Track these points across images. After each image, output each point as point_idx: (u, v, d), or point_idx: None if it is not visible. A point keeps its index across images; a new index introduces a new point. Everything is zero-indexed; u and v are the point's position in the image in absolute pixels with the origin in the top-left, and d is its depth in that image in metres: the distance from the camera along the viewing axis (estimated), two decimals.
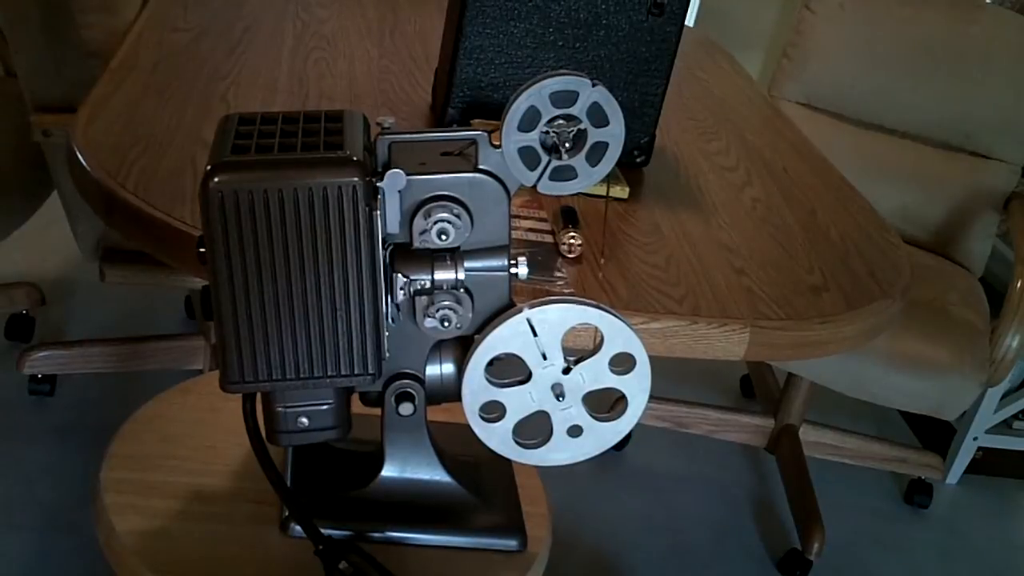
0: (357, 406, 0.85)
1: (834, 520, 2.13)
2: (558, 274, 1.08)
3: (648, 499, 2.11)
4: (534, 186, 0.77)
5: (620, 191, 1.28)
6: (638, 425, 2.20)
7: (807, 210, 1.37)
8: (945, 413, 1.82)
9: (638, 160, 1.38)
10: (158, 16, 1.58)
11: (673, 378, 2.49)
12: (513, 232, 1.16)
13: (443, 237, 0.76)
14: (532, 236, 1.16)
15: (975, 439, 2.29)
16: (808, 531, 1.97)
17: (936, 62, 2.14)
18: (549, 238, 1.15)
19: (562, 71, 0.72)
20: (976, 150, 2.16)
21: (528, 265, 1.07)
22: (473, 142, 0.76)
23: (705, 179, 1.40)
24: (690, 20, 3.17)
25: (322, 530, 0.80)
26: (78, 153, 1.12)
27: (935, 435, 2.41)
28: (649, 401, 2.18)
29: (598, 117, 0.74)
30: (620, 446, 2.23)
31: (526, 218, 1.20)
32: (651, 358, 0.88)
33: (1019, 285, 1.82)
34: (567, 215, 1.17)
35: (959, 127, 2.15)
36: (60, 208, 1.77)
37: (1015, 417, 2.31)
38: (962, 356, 1.80)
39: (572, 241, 1.11)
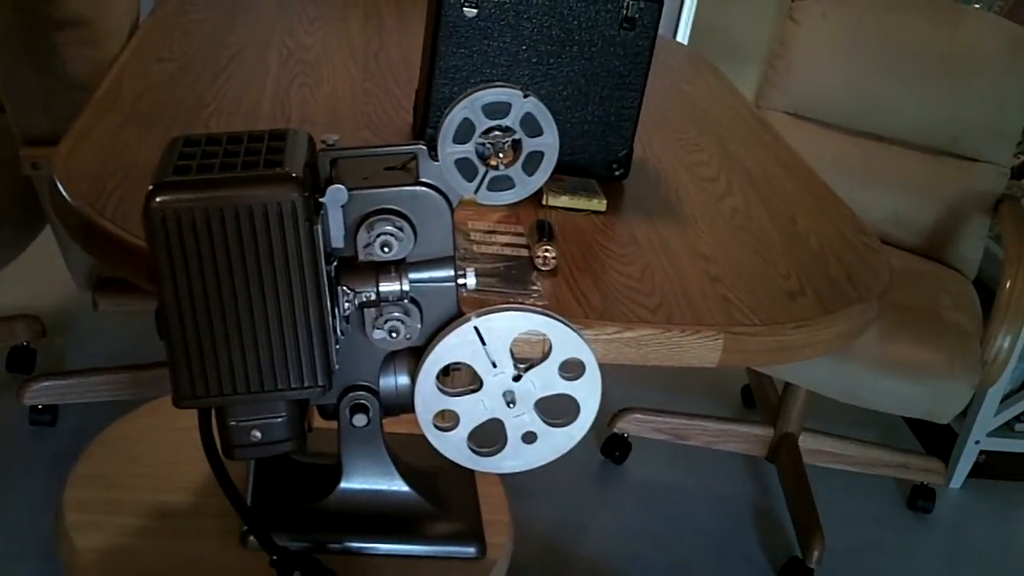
0: (322, 421, 0.87)
1: (836, 527, 2.13)
2: (533, 287, 1.09)
3: (648, 511, 2.11)
4: (475, 196, 0.78)
5: (597, 204, 1.30)
6: (638, 438, 2.22)
7: (787, 218, 1.37)
8: (938, 416, 1.82)
9: (616, 173, 1.39)
10: (144, 47, 1.60)
11: (674, 390, 2.50)
12: (490, 247, 1.18)
13: (386, 249, 0.77)
14: (508, 251, 1.17)
15: (976, 442, 2.28)
16: (808, 539, 1.96)
17: (921, 67, 2.15)
18: (525, 252, 1.17)
19: (495, 83, 0.73)
20: (964, 153, 2.16)
21: (504, 278, 1.09)
22: (414, 156, 0.77)
23: (685, 190, 1.41)
24: (684, 37, 3.18)
25: (281, 542, 0.81)
26: (59, 183, 1.14)
27: (938, 440, 2.40)
28: (648, 414, 2.20)
29: (532, 127, 0.76)
30: (620, 459, 2.24)
31: (503, 233, 1.21)
32: (648, 368, 0.89)
33: (1008, 286, 1.82)
34: (542, 229, 1.18)
35: (946, 131, 2.15)
36: None
37: (1016, 419, 2.30)
38: (953, 359, 1.80)
39: (546, 254, 1.12)
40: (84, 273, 1.76)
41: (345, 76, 1.61)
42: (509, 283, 1.09)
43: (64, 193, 1.13)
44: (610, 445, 2.24)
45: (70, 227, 1.14)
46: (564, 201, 1.29)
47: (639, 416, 2.20)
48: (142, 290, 1.79)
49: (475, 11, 1.31)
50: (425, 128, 1.37)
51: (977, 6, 2.51)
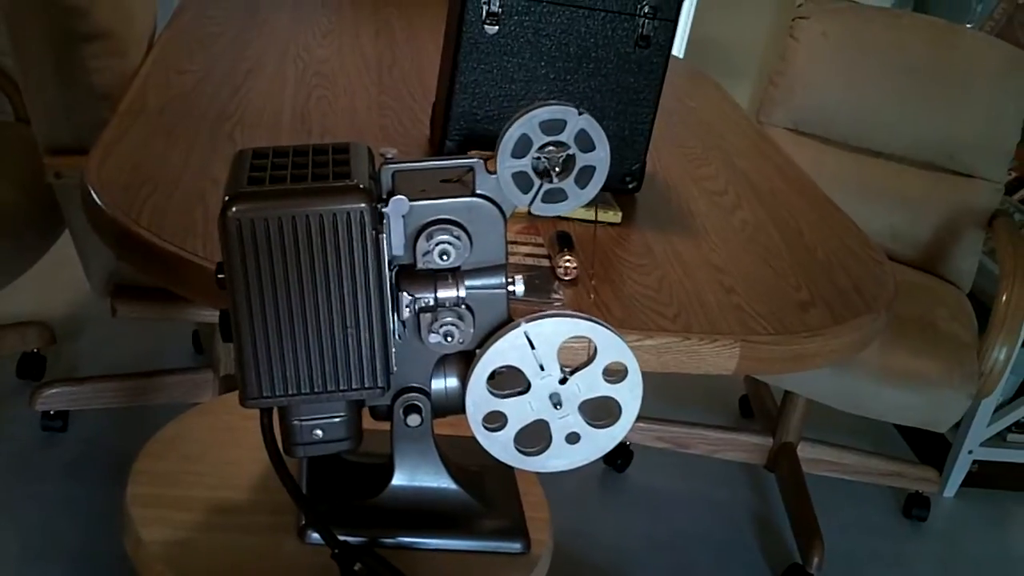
0: (368, 423, 0.90)
1: (834, 534, 2.17)
2: (555, 296, 1.12)
3: (651, 518, 2.15)
4: (528, 208, 0.82)
5: (613, 216, 1.33)
6: (640, 447, 2.26)
7: (794, 230, 1.41)
8: (936, 425, 1.87)
9: (630, 186, 1.42)
10: (164, 59, 1.62)
11: (673, 400, 2.54)
12: (512, 257, 1.21)
13: (444, 257, 0.81)
14: (529, 260, 1.20)
15: (970, 452, 2.33)
16: (808, 546, 2.00)
17: (918, 86, 2.20)
18: (546, 262, 1.20)
19: (551, 101, 0.78)
20: (959, 170, 2.22)
21: (526, 287, 1.12)
22: (470, 169, 0.81)
23: (695, 203, 1.44)
24: (680, 51, 3.23)
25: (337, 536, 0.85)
26: (92, 193, 1.16)
27: (932, 449, 2.45)
28: (650, 423, 2.23)
29: (585, 143, 0.80)
30: (622, 467, 2.27)
31: (524, 244, 1.24)
32: (649, 378, 0.92)
33: (1004, 299, 1.87)
34: (562, 240, 1.22)
35: (942, 148, 2.21)
36: (69, 248, 1.82)
37: (1008, 430, 2.35)
38: (951, 369, 1.85)
39: (567, 264, 1.16)
40: (103, 280, 1.79)
41: (361, 89, 1.64)
42: (533, 292, 1.13)
43: (99, 202, 1.15)
44: (612, 453, 2.27)
45: (104, 235, 1.16)
46: (581, 213, 1.32)
47: (641, 425, 2.23)
48: (159, 296, 1.81)
49: (496, 28, 1.34)
50: (444, 141, 1.40)
51: (969, 26, 2.57)
